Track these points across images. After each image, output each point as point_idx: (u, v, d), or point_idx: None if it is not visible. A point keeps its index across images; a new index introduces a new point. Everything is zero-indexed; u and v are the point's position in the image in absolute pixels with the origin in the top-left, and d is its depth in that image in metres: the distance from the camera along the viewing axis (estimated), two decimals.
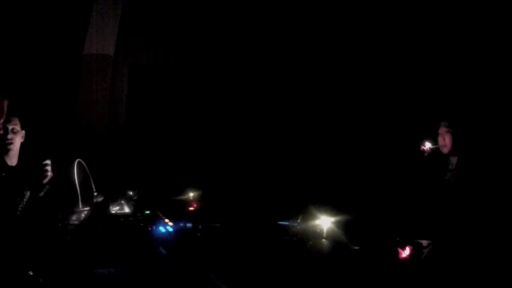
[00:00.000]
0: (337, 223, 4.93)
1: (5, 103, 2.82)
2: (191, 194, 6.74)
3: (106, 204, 4.96)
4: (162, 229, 5.42)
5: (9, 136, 3.03)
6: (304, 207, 5.35)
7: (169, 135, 7.83)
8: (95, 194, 4.17)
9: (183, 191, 6.77)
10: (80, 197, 3.67)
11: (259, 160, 7.32)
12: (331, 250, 4.79)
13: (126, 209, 5.46)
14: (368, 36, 7.09)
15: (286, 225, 5.48)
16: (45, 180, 3.07)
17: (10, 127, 3.04)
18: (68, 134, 6.66)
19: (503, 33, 5.70)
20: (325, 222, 4.99)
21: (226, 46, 8.03)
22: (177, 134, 7.85)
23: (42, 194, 3.05)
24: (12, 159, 3.10)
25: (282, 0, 7.68)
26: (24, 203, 2.96)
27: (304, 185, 6.39)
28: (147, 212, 5.56)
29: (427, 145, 4.51)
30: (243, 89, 7.96)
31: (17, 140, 3.11)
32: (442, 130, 4.35)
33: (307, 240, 5.04)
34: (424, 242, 4.25)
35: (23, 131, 3.18)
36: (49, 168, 3.12)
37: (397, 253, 4.38)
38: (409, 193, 5.43)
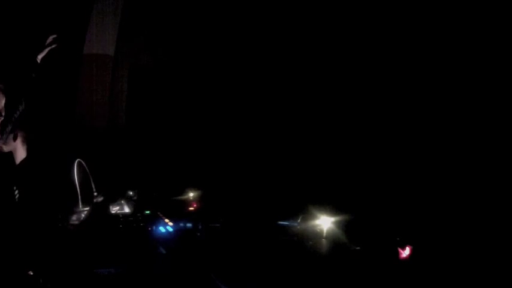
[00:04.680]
0: (337, 223, 4.93)
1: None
2: (191, 194, 6.75)
3: (106, 204, 4.96)
4: (162, 229, 5.42)
5: None
6: (304, 207, 5.35)
7: (169, 135, 7.83)
8: (95, 194, 4.18)
9: (183, 191, 6.78)
10: (80, 197, 3.68)
11: (259, 160, 7.32)
12: (331, 250, 4.79)
13: (126, 209, 5.46)
14: (362, 38, 7.09)
15: (286, 225, 5.48)
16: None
17: None
18: (68, 134, 6.65)
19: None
20: (325, 222, 4.99)
21: (226, 46, 8.03)
22: (177, 134, 7.85)
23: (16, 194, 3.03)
24: (16, 159, 3.10)
25: (281, 1, 7.68)
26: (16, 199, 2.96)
27: (304, 185, 6.39)
28: (147, 212, 5.57)
29: None
30: (243, 90, 7.96)
31: (6, 142, 3.11)
32: None
33: (307, 240, 5.04)
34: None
35: (21, 132, 3.17)
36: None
37: (397, 253, 4.38)
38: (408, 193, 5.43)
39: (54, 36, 3.21)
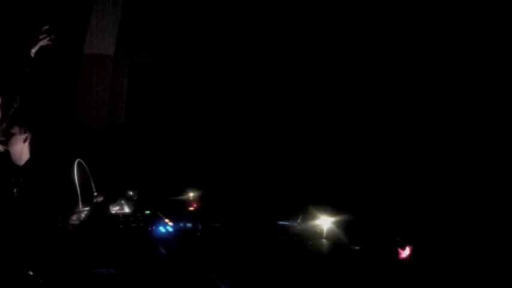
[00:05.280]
0: (337, 223, 4.93)
1: None
2: (191, 194, 6.75)
3: (106, 204, 4.96)
4: (162, 229, 5.43)
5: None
6: (304, 207, 5.35)
7: (169, 135, 7.82)
8: (95, 194, 4.17)
9: (183, 191, 6.77)
10: (80, 197, 3.67)
11: (259, 160, 7.32)
12: (331, 250, 4.80)
13: (126, 209, 5.46)
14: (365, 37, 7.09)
15: (286, 225, 5.48)
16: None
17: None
18: (68, 133, 6.65)
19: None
20: (325, 222, 5.00)
21: (226, 46, 8.03)
22: (177, 134, 7.85)
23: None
24: (17, 161, 3.11)
25: (282, 0, 7.67)
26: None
27: (304, 185, 6.39)
28: (147, 212, 5.57)
29: None
30: (243, 89, 7.96)
31: (13, 142, 3.11)
32: None
33: (307, 240, 5.04)
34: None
35: (26, 134, 3.18)
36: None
37: (397, 253, 4.39)
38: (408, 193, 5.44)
39: (46, 27, 3.20)
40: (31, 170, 3.08)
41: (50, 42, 3.26)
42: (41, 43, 3.26)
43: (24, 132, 3.13)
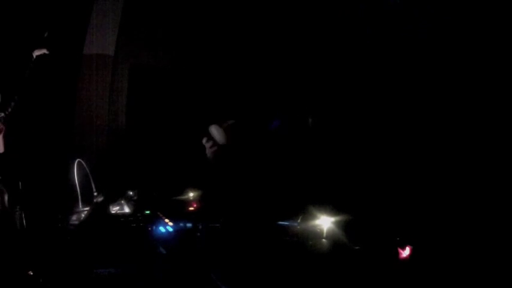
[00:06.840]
0: (337, 223, 4.92)
1: None
2: (191, 194, 6.74)
3: (106, 204, 4.97)
4: (162, 229, 5.42)
5: None
6: (304, 207, 5.35)
7: (169, 136, 7.83)
8: (95, 194, 4.18)
9: (183, 191, 6.77)
10: (80, 197, 3.68)
11: (259, 160, 7.32)
12: (331, 250, 4.79)
13: (126, 209, 5.46)
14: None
15: (286, 225, 5.48)
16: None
17: None
18: (68, 134, 6.65)
19: None
20: (325, 222, 4.99)
21: (227, 46, 8.03)
22: (178, 134, 7.85)
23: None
24: None
25: (284, 0, 7.67)
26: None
27: (304, 185, 6.38)
28: (147, 212, 5.57)
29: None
30: (244, 89, 7.96)
31: None
32: None
33: (307, 240, 5.04)
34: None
35: (1, 126, 3.18)
36: None
37: (397, 253, 4.39)
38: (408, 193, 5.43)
39: (46, 34, 3.23)
40: (8, 163, 3.10)
41: (49, 52, 3.29)
42: (44, 50, 3.29)
43: None
